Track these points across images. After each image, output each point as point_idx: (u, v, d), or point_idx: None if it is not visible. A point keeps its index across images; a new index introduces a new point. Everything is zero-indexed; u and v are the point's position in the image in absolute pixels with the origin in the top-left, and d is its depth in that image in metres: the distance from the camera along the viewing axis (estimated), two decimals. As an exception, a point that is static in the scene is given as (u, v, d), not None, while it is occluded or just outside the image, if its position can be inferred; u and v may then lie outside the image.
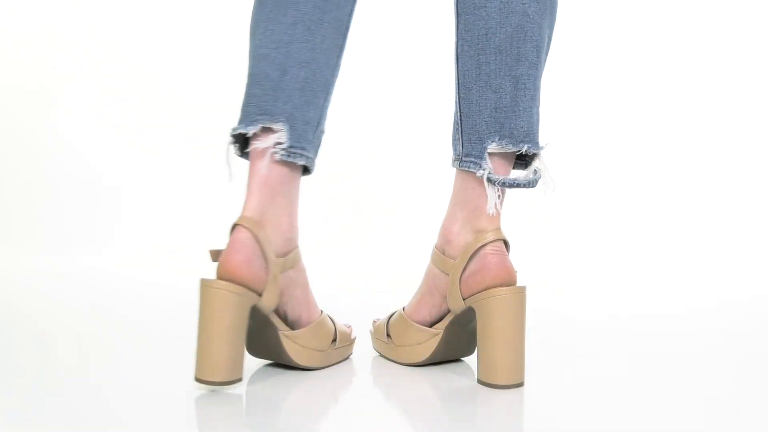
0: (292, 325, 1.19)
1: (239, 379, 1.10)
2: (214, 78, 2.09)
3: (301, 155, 1.14)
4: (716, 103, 2.02)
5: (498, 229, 1.16)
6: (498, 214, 1.16)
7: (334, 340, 1.24)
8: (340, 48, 1.16)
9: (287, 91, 1.12)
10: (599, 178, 2.01)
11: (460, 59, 1.18)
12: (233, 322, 1.07)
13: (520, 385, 1.11)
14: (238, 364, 1.09)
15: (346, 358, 1.28)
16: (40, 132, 2.05)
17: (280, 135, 1.12)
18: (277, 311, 1.17)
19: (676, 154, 2.00)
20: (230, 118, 1.99)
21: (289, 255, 1.15)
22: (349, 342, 1.29)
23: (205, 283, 1.08)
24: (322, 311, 1.25)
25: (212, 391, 1.09)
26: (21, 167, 2.03)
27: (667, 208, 1.96)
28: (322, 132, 1.18)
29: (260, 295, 1.11)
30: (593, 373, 1.23)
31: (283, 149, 1.12)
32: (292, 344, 1.18)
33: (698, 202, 1.96)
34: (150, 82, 2.07)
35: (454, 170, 1.21)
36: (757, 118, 2.01)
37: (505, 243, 1.17)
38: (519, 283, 1.14)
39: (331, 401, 1.11)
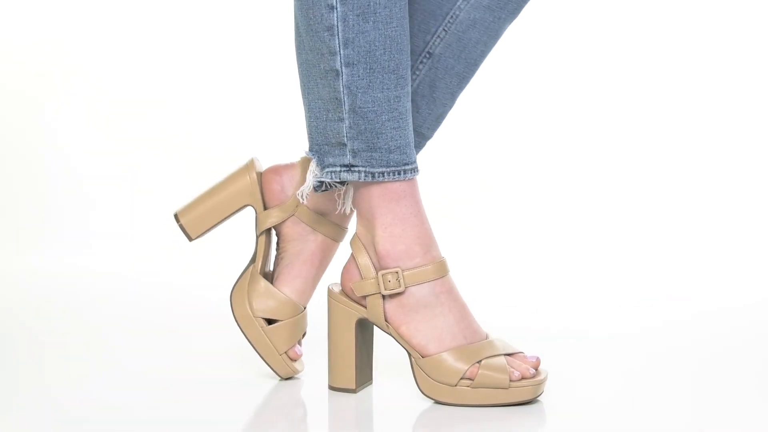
0: (266, 276, 1.20)
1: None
2: (209, 81, 2.07)
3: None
4: (722, 103, 2.00)
5: None
6: None
7: (270, 322, 1.19)
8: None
9: None
10: (598, 178, 1.98)
11: None
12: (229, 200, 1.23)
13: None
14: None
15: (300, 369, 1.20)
16: (28, 133, 2.04)
17: None
18: (265, 252, 1.20)
19: (677, 153, 1.98)
20: (221, 121, 1.99)
21: (302, 208, 1.19)
22: (286, 344, 1.19)
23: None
24: (305, 308, 1.19)
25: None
26: (12, 168, 2.03)
27: (667, 209, 1.93)
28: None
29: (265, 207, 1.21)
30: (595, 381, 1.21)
31: None
32: (246, 283, 1.20)
33: (700, 204, 1.93)
34: (143, 84, 2.06)
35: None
36: (761, 118, 1.98)
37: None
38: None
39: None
